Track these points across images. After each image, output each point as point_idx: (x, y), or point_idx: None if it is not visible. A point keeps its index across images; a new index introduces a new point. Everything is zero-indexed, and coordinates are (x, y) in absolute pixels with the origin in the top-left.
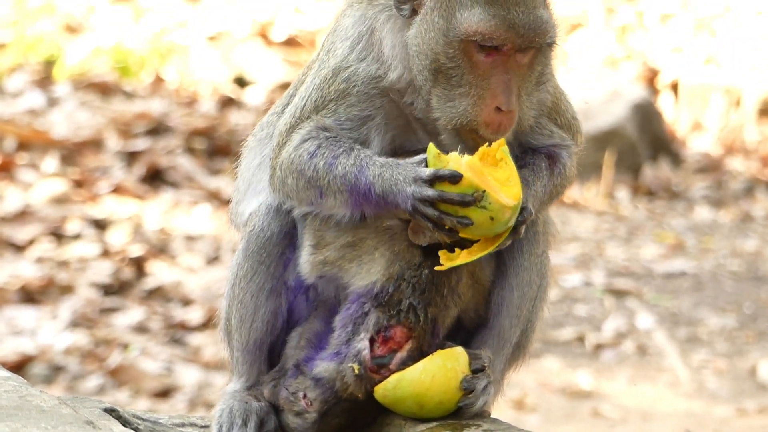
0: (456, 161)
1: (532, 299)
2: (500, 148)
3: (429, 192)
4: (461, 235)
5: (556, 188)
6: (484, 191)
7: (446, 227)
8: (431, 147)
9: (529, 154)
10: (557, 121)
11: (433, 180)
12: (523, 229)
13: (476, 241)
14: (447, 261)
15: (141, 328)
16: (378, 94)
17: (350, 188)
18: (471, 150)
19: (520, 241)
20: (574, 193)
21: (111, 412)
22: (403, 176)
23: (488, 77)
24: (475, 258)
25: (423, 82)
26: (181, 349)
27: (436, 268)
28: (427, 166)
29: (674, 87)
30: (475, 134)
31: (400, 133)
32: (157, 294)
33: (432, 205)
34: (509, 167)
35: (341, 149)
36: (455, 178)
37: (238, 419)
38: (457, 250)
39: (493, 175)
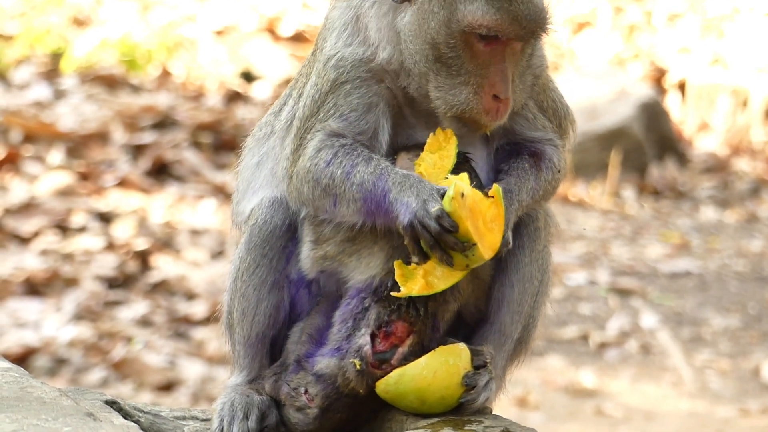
0: (468, 200)
1: (534, 295)
2: (497, 191)
3: (432, 224)
4: (432, 262)
5: (550, 183)
6: (475, 244)
7: (424, 253)
8: (457, 186)
9: (512, 157)
10: (542, 102)
11: (437, 219)
12: (504, 250)
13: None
14: (405, 289)
15: (145, 322)
16: (372, 79)
17: (365, 196)
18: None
19: (520, 236)
20: (579, 191)
21: (112, 404)
22: (416, 193)
23: (486, 66)
24: (431, 291)
25: (417, 68)
26: (184, 342)
27: (392, 293)
28: (443, 195)
29: (681, 87)
30: (473, 121)
31: (396, 126)
32: (161, 288)
33: (428, 232)
34: (498, 206)
35: (360, 158)
36: (454, 229)
37: (239, 412)
38: (415, 270)
39: (484, 215)
